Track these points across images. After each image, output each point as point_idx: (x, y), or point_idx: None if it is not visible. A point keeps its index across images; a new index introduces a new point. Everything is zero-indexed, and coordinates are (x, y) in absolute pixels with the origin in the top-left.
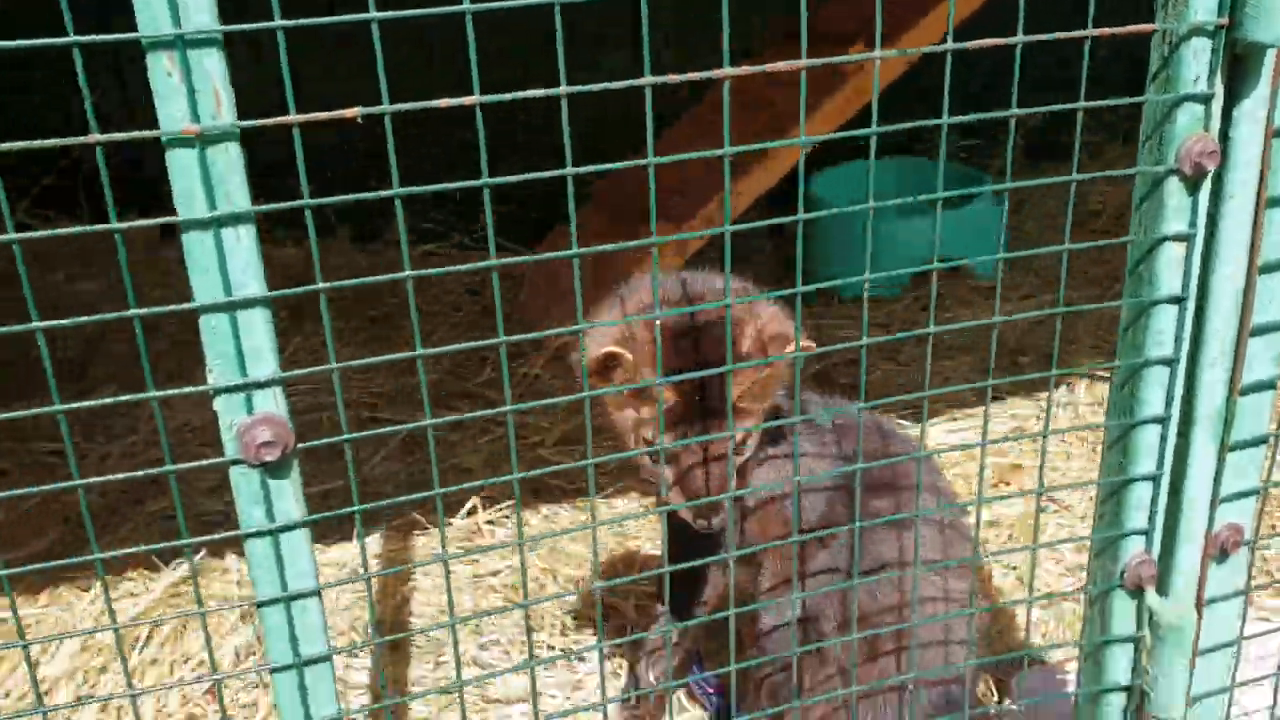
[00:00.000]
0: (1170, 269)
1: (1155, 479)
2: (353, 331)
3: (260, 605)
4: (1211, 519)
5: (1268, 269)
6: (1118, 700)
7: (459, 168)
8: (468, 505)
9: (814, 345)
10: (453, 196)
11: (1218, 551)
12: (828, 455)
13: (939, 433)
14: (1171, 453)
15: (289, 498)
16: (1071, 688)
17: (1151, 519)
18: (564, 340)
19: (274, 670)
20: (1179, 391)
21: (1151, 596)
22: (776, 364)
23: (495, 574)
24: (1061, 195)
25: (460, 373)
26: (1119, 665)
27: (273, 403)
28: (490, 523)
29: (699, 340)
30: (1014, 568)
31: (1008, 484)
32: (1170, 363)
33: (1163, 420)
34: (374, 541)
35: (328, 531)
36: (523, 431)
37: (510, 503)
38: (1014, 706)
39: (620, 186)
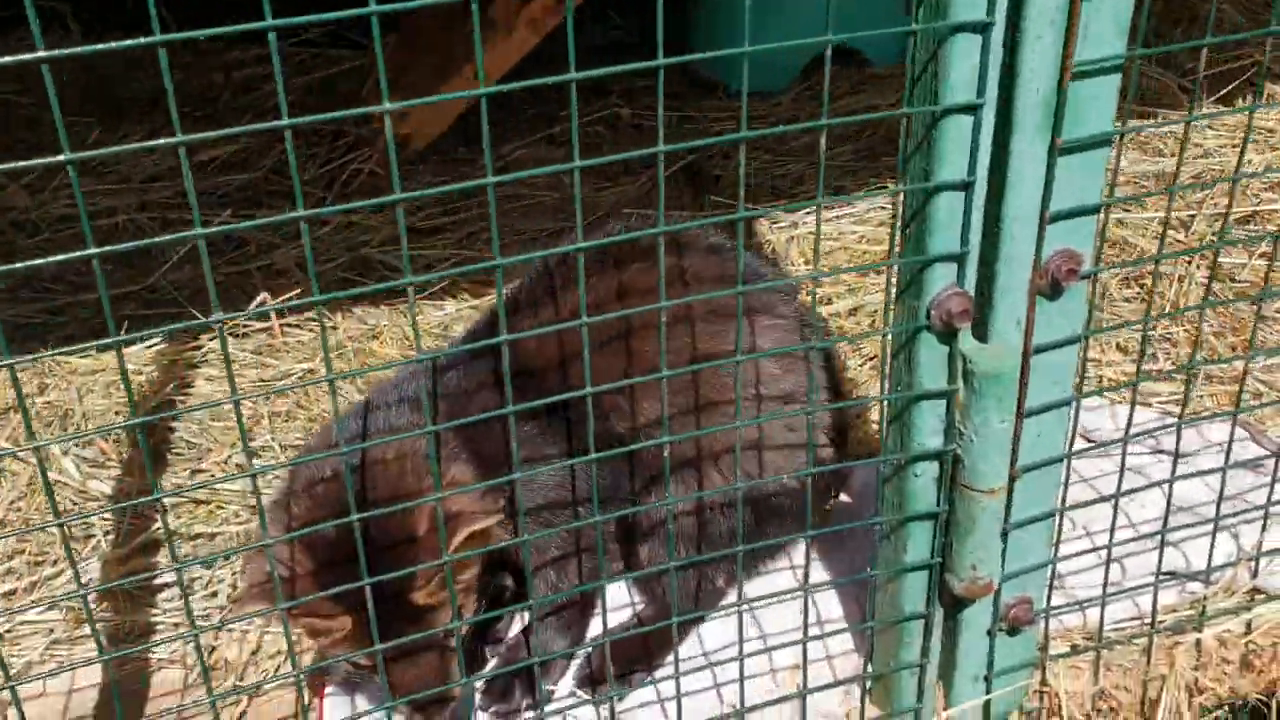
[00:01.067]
0: None
1: (966, 186)
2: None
3: None
4: (1040, 243)
5: None
6: (928, 469)
7: None
8: (256, 300)
9: (497, 521)
10: None
11: (1048, 284)
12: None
13: (813, 221)
14: (987, 154)
15: None
16: None
17: (964, 238)
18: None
19: None
20: (993, 70)
21: (965, 340)
22: (463, 546)
23: (285, 376)
24: None
25: (284, 169)
26: (927, 425)
27: None
28: (294, 326)
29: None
30: (870, 357)
31: (880, 274)
32: (982, 27)
33: (974, 109)
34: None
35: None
36: (349, 231)
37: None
38: (846, 499)
39: None
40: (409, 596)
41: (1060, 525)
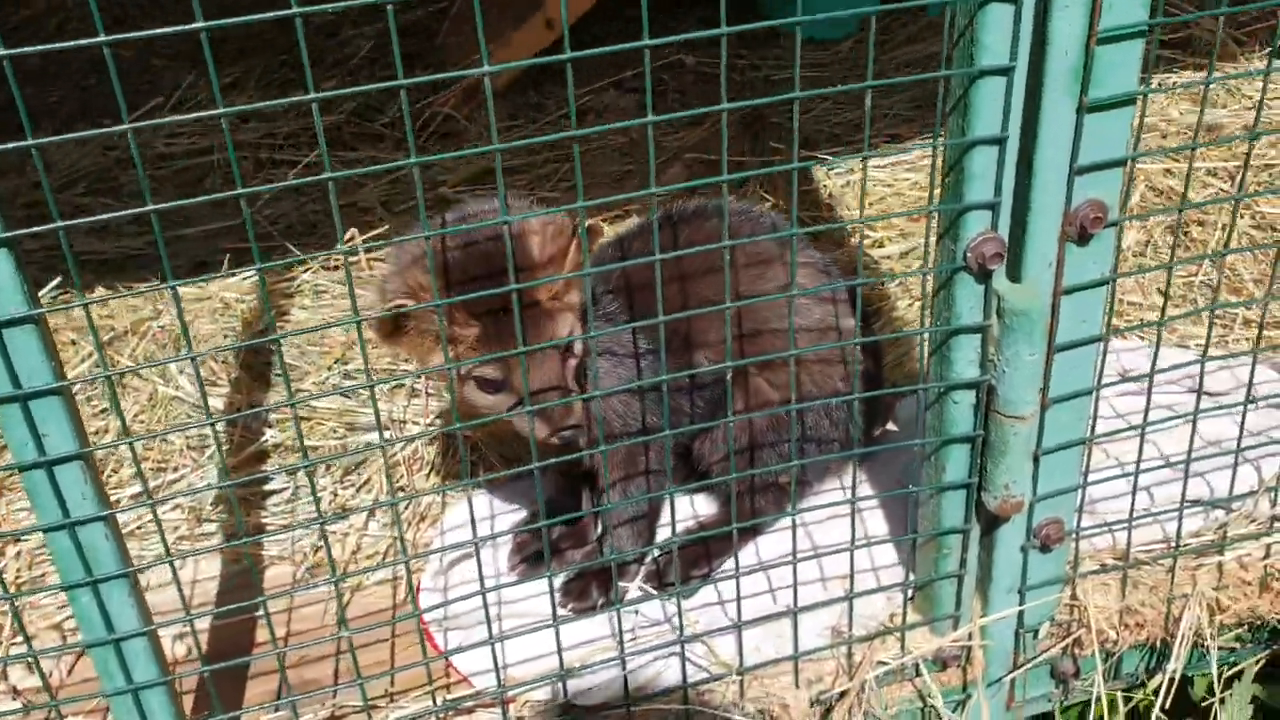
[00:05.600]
0: None
1: (1000, 142)
2: (262, 73)
3: None
4: (1070, 193)
5: None
6: (965, 397)
7: None
8: (346, 234)
9: (602, 227)
10: None
11: (1076, 231)
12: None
13: (871, 168)
14: (1019, 112)
15: None
16: None
17: (997, 188)
18: (476, 79)
19: None
20: (1025, 36)
21: (999, 280)
22: (571, 254)
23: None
24: None
25: (365, 113)
26: (964, 357)
27: None
28: (380, 260)
29: (482, 259)
30: (918, 299)
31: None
32: None
33: (1007, 71)
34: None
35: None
36: (427, 172)
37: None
38: (893, 428)
39: None
40: (532, 299)
41: (1090, 453)
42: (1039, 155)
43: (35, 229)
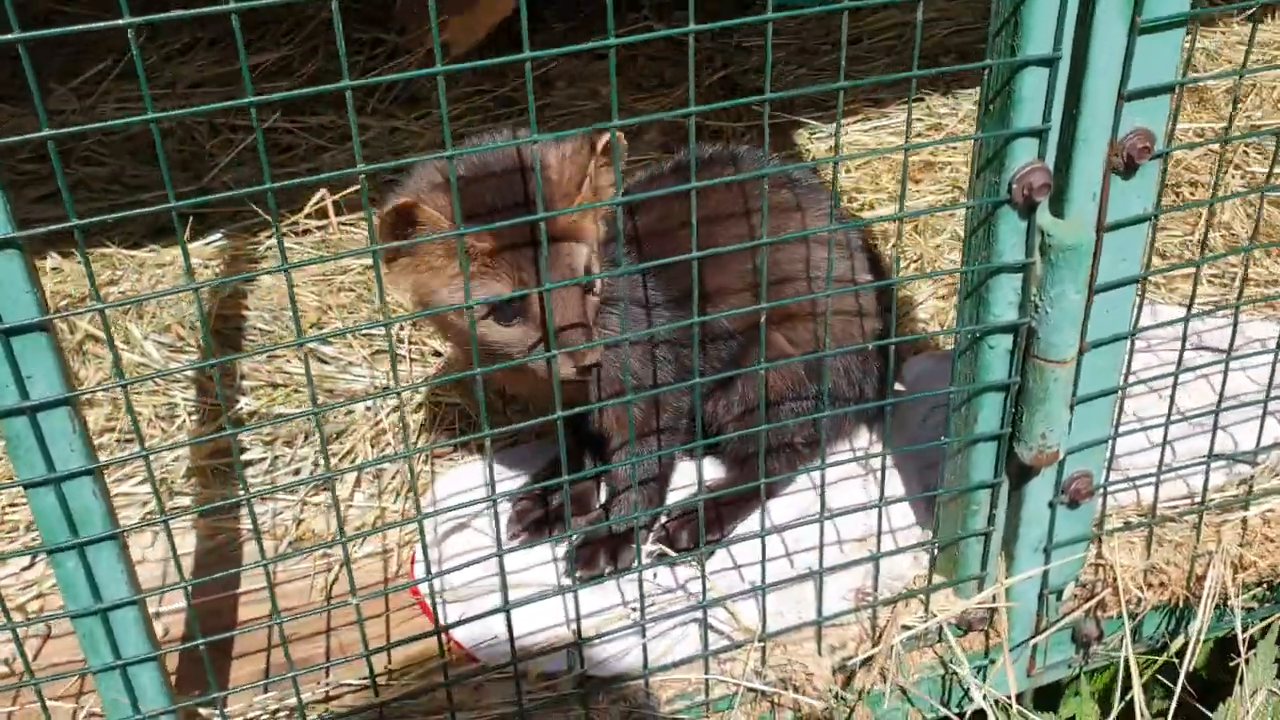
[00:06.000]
0: None
1: (1052, 62)
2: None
3: None
4: (1117, 121)
5: None
6: (1002, 342)
7: None
8: (315, 198)
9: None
10: None
11: (1123, 161)
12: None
13: (854, 132)
14: (1071, 32)
15: None
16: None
17: (1046, 114)
18: (441, 38)
19: None
20: None
21: (1043, 214)
22: (598, 173)
23: (345, 271)
24: None
25: (324, 79)
26: (1003, 298)
27: None
28: (347, 224)
29: (501, 180)
30: (915, 259)
31: (918, 181)
32: None
33: None
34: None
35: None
36: (393, 137)
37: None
38: (900, 387)
39: None
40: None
41: (1122, 403)
42: (1089, 79)
43: None
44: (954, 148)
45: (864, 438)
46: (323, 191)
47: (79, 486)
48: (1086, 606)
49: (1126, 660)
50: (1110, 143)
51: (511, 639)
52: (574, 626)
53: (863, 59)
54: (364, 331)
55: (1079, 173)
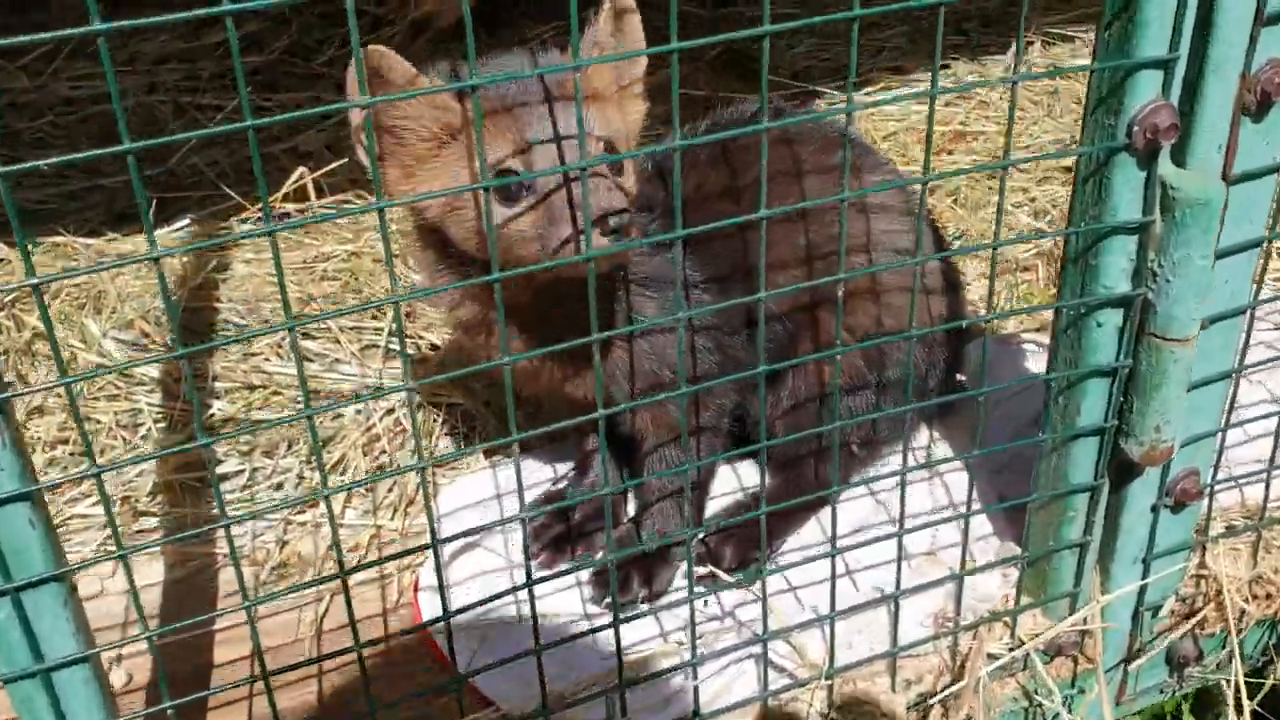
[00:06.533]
0: None
1: None
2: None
3: None
4: (1252, 50)
5: None
6: (1111, 318)
7: None
8: (294, 177)
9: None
10: None
11: (1256, 99)
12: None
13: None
14: None
15: None
16: (1019, 360)
17: (1175, 40)
18: (425, 9)
19: None
20: None
21: (1165, 164)
22: (630, 32)
23: (328, 259)
24: None
25: (300, 52)
26: (1116, 266)
27: None
28: (329, 209)
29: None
30: (958, 235)
31: (950, 151)
32: None
33: None
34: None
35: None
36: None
37: (345, 193)
38: (961, 377)
39: None
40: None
41: (1236, 388)
42: (1220, 1)
43: None
44: (986, 116)
45: (923, 436)
46: (302, 170)
47: (10, 515)
48: (1189, 625)
49: (1235, 684)
50: (1242, 75)
51: (544, 685)
52: (610, 664)
53: (875, 28)
54: (353, 325)
55: (1205, 113)
